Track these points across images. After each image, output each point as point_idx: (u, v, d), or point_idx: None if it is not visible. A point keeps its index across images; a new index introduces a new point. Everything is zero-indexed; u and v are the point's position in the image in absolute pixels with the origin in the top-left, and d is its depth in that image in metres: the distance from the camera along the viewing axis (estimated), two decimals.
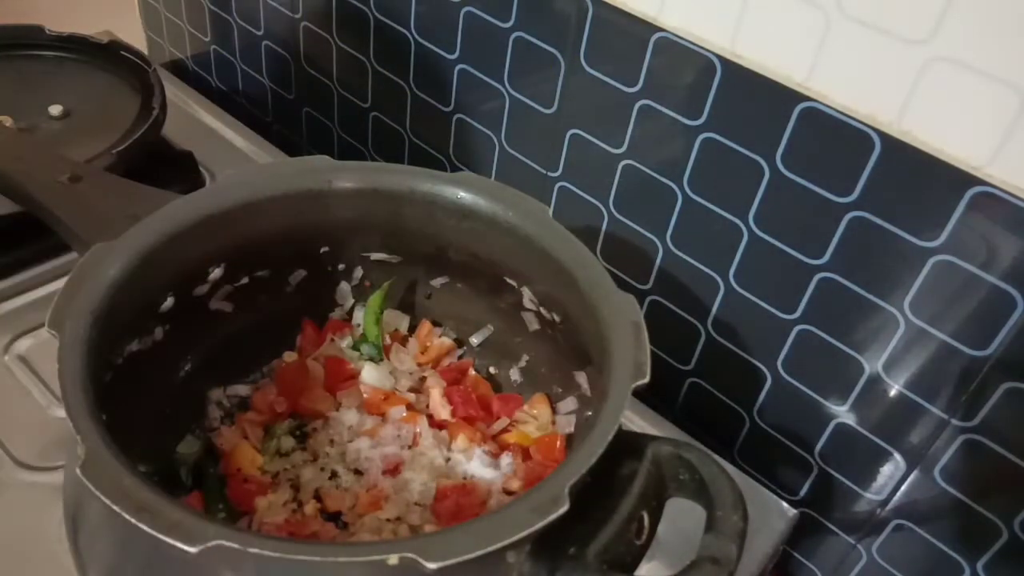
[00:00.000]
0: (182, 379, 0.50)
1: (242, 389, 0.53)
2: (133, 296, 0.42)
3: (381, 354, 0.55)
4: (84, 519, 0.40)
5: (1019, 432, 0.45)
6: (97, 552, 0.39)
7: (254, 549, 0.30)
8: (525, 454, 0.51)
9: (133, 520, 0.30)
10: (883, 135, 0.44)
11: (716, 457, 0.39)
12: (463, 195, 0.49)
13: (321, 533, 0.47)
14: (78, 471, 0.32)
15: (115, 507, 0.31)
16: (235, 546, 0.30)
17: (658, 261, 0.59)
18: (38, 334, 0.59)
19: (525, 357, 0.55)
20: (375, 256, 0.55)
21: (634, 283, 0.61)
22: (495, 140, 0.66)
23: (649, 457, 0.38)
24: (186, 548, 0.29)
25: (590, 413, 0.40)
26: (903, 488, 0.51)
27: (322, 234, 0.52)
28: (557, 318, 0.50)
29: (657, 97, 0.53)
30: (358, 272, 0.55)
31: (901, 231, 0.45)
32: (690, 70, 0.50)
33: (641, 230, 0.59)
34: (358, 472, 0.50)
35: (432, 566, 0.30)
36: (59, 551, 0.45)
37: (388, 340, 0.56)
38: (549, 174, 0.63)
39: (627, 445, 0.38)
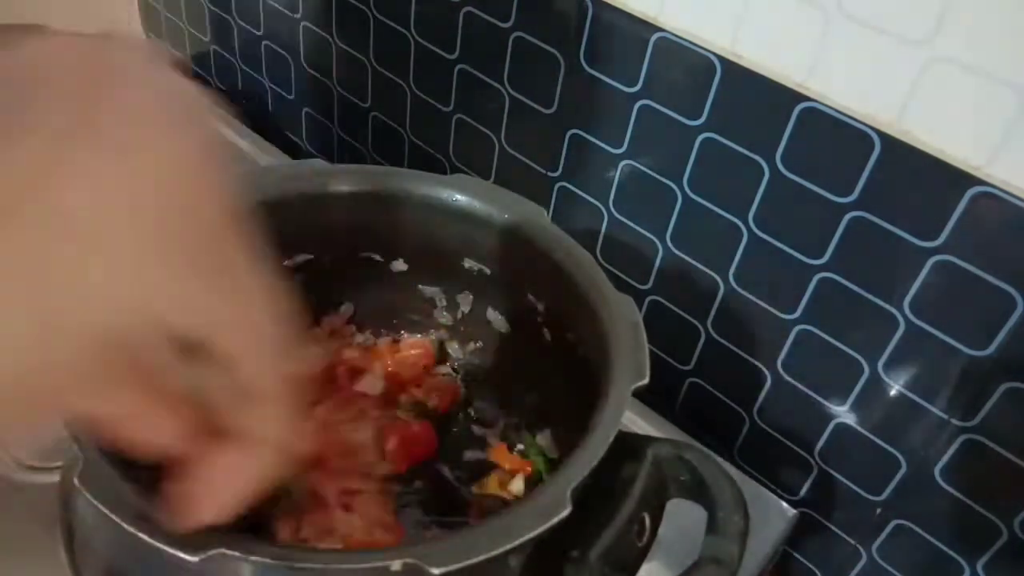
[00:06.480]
0: None
1: None
2: None
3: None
4: (78, 524, 0.39)
5: (1019, 432, 0.45)
6: (92, 559, 0.39)
7: (255, 557, 0.30)
8: None
9: (132, 529, 0.30)
10: (883, 135, 0.44)
11: (716, 457, 0.39)
12: (458, 198, 0.49)
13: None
14: (76, 480, 0.32)
15: (113, 516, 0.31)
16: (237, 555, 0.30)
17: (658, 261, 0.59)
18: None
19: (523, 358, 0.55)
20: (372, 258, 0.54)
21: (634, 283, 0.61)
22: (495, 140, 0.66)
23: (650, 459, 0.39)
24: (187, 557, 0.29)
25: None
26: (903, 488, 0.51)
27: (318, 237, 0.52)
28: (555, 319, 0.50)
29: (657, 97, 0.53)
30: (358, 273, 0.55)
31: (901, 231, 0.45)
32: (690, 70, 0.50)
33: (641, 230, 0.59)
34: None
35: (436, 571, 0.30)
36: (59, 551, 0.45)
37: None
38: (549, 174, 0.63)
39: (627, 447, 0.38)
